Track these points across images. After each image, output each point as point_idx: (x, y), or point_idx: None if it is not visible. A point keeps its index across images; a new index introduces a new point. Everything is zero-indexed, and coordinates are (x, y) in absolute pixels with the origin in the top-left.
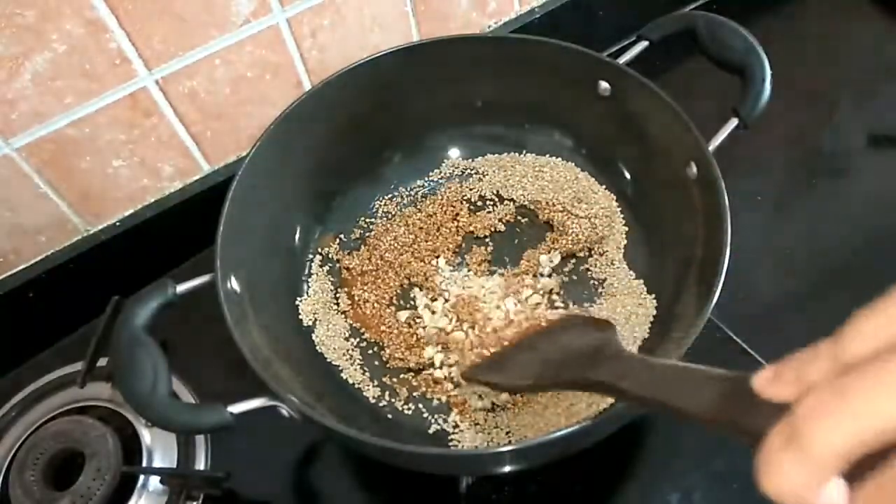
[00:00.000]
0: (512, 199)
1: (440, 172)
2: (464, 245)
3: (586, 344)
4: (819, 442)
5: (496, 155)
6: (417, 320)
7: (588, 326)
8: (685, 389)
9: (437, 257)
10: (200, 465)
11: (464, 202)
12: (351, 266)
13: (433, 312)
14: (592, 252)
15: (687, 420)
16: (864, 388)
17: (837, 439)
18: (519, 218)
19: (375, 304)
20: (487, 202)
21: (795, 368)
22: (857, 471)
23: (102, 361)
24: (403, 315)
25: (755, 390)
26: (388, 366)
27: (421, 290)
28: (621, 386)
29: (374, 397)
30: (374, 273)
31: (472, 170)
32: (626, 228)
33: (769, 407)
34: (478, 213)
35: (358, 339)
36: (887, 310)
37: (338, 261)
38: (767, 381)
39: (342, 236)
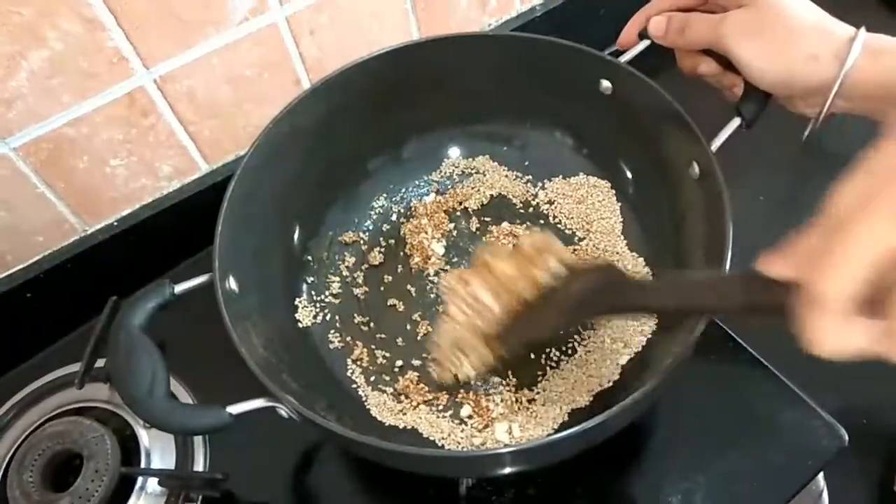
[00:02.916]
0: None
1: (440, 172)
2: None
3: (599, 283)
4: (831, 295)
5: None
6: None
7: (592, 270)
8: (709, 292)
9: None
10: (199, 466)
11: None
12: (351, 265)
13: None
14: (594, 250)
15: (714, 315)
16: (846, 239)
17: (844, 285)
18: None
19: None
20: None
21: (793, 247)
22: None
23: (100, 362)
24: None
25: (765, 275)
26: (390, 366)
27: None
28: (653, 304)
29: (374, 398)
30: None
31: (472, 169)
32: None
33: (781, 285)
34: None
35: (358, 340)
36: (856, 180)
37: (338, 260)
38: (774, 265)
39: (341, 236)
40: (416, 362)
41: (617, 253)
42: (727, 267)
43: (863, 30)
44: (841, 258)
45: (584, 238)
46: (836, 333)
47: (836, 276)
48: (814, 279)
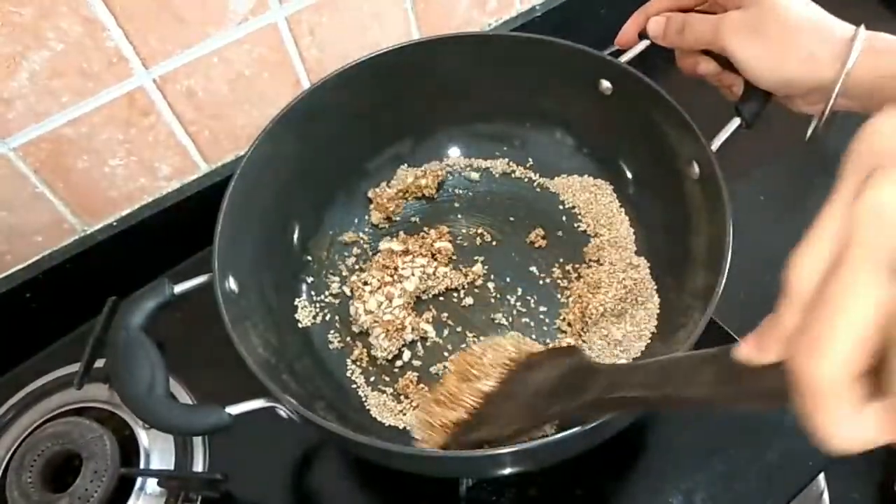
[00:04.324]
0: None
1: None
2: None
3: (563, 373)
4: (827, 377)
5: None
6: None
7: (553, 358)
8: (680, 379)
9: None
10: (198, 466)
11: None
12: (350, 265)
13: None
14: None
15: (689, 407)
16: (832, 312)
17: (838, 368)
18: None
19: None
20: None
21: (770, 331)
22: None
23: (100, 362)
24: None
25: (743, 362)
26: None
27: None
28: (620, 395)
29: (373, 398)
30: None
31: (472, 168)
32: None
33: (762, 370)
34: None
35: (358, 340)
36: (813, 246)
37: (338, 260)
38: (752, 351)
39: (341, 236)
40: (417, 363)
41: (625, 251)
42: (726, 267)
43: (862, 28)
44: (828, 336)
45: (592, 238)
46: (848, 426)
47: (827, 358)
48: (803, 365)
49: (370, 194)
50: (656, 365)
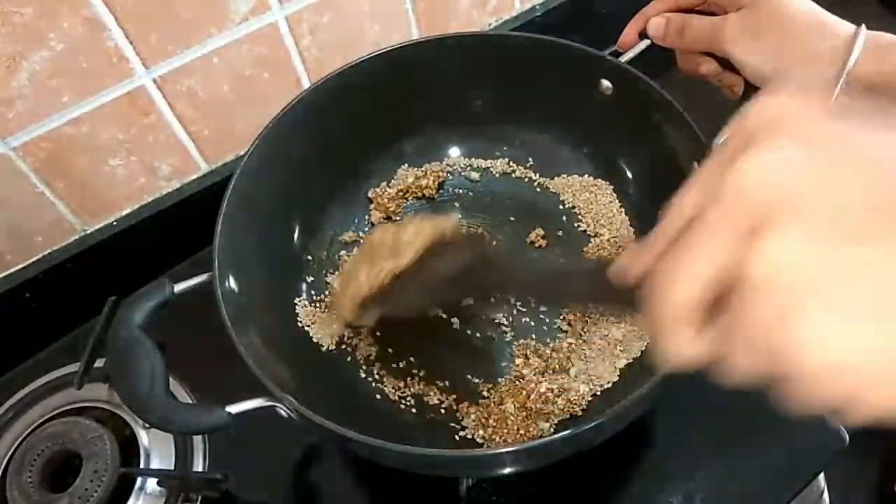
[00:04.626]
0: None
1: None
2: None
3: (466, 264)
4: (671, 304)
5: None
6: None
7: (461, 245)
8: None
9: None
10: (198, 466)
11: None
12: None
13: None
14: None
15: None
16: (682, 256)
17: (680, 297)
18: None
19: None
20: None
21: (638, 252)
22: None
23: (100, 362)
24: None
25: (613, 278)
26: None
27: None
28: (513, 287)
29: (373, 397)
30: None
31: (472, 168)
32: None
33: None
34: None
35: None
36: (686, 195)
37: (338, 260)
38: (621, 268)
39: (341, 236)
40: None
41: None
42: None
43: (863, 27)
44: (675, 274)
45: (592, 238)
46: (683, 342)
47: (672, 291)
48: (655, 290)
49: (371, 194)
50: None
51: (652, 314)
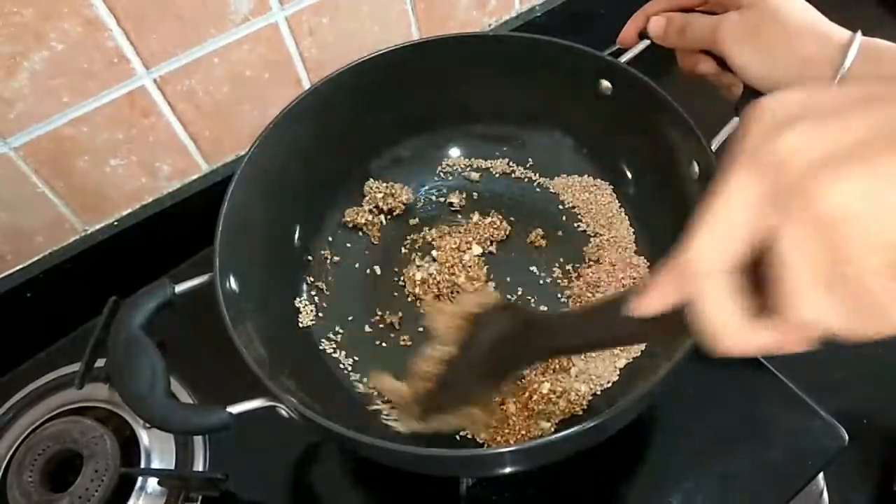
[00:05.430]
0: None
1: (440, 171)
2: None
3: (504, 329)
4: (705, 262)
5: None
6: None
7: (490, 314)
8: (604, 325)
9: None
10: (199, 466)
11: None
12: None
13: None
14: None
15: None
16: (711, 213)
17: (713, 252)
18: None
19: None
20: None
21: (656, 290)
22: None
23: (100, 362)
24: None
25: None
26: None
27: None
28: (558, 344)
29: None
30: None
31: (472, 168)
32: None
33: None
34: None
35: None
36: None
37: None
38: (647, 300)
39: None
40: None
41: (625, 251)
42: None
43: (859, 33)
44: (703, 230)
45: (592, 238)
46: (735, 328)
47: (702, 244)
48: (687, 261)
49: (347, 217)
50: (581, 314)
51: (689, 289)
